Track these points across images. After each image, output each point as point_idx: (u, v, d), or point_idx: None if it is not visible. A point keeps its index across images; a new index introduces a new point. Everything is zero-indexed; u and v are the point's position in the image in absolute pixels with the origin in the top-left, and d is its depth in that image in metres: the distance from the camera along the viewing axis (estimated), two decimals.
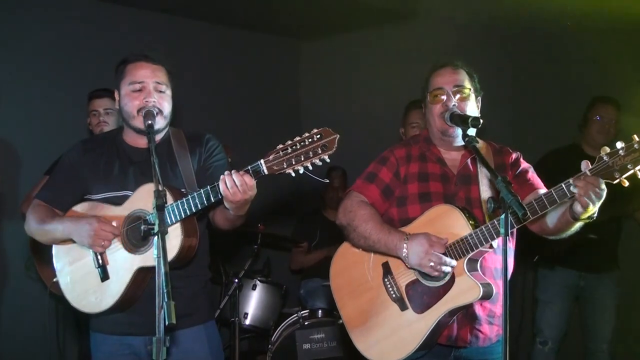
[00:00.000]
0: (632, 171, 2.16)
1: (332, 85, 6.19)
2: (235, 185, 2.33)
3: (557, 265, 4.26)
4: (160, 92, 2.64)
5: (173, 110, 2.74)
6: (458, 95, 2.63)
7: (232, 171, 2.35)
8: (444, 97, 2.63)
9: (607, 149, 2.19)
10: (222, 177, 2.35)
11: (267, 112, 6.10)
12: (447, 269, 2.46)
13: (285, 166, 2.28)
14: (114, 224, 2.60)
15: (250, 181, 2.34)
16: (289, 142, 2.28)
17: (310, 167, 2.28)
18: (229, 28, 5.88)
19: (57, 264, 2.75)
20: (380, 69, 5.89)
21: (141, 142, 2.71)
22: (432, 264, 2.45)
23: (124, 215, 2.61)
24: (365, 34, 6.01)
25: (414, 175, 2.70)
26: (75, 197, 2.75)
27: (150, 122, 2.53)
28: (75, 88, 4.35)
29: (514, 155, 2.73)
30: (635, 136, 2.16)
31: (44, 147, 4.35)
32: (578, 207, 2.27)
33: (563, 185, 2.26)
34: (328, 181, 2.31)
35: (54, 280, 2.76)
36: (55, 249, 2.76)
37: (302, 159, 2.26)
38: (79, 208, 2.74)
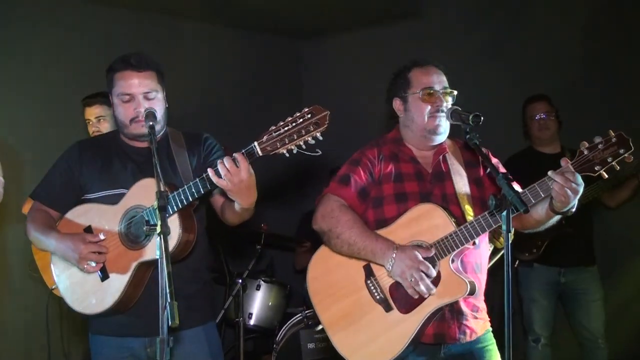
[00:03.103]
0: (611, 164, 2.25)
1: (334, 85, 6.18)
2: (227, 170, 2.31)
3: (536, 263, 4.28)
4: (150, 99, 2.63)
5: (169, 110, 2.74)
6: (447, 98, 2.65)
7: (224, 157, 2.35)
8: (435, 98, 2.63)
9: (587, 144, 2.28)
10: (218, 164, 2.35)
11: (269, 112, 6.09)
12: (423, 290, 2.46)
13: (278, 146, 2.28)
14: (102, 236, 2.61)
15: (242, 159, 2.31)
16: (281, 122, 2.29)
17: (304, 146, 2.28)
18: (230, 29, 5.88)
19: (55, 269, 2.77)
20: (383, 69, 5.86)
21: (137, 142, 2.73)
22: (412, 279, 2.45)
23: (119, 214, 2.62)
24: (368, 34, 6.00)
25: (389, 176, 2.69)
26: (73, 197, 2.76)
27: (151, 123, 2.54)
28: (78, 89, 4.35)
29: (484, 151, 2.73)
30: (611, 131, 2.26)
31: (46, 149, 4.35)
32: (556, 201, 2.34)
33: (546, 180, 2.32)
34: (320, 152, 2.32)
35: (53, 287, 2.77)
36: (52, 256, 2.77)
37: (295, 137, 2.26)
38: (73, 214, 2.74)
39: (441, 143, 2.71)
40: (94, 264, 2.60)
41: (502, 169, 2.67)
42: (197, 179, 2.44)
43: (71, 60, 4.86)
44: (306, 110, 2.28)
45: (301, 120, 2.27)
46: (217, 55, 5.80)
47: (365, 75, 5.99)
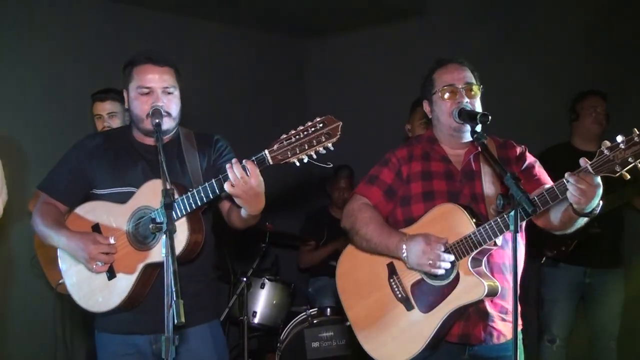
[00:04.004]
0: (632, 164, 2.15)
1: (339, 84, 6.18)
2: (236, 177, 2.30)
3: (562, 262, 4.26)
4: (169, 94, 2.64)
5: (181, 110, 2.74)
6: (470, 93, 2.63)
7: (234, 161, 2.33)
8: (457, 95, 2.62)
9: (608, 143, 2.18)
10: (227, 183, 2.33)
11: (274, 111, 6.10)
12: (446, 264, 2.46)
13: (289, 155, 2.27)
14: (111, 240, 2.60)
15: (253, 167, 2.31)
16: (293, 131, 2.27)
17: (315, 156, 2.27)
18: (235, 27, 5.88)
19: (62, 264, 2.76)
20: (388, 67, 5.87)
21: (150, 139, 2.71)
22: (430, 261, 2.46)
23: (127, 214, 2.61)
24: (372, 32, 5.99)
25: (417, 174, 2.70)
26: (82, 192, 2.75)
27: (157, 120, 2.53)
28: (82, 87, 4.35)
29: (518, 149, 2.71)
30: (635, 129, 2.16)
31: (50, 146, 4.35)
32: (573, 203, 2.27)
33: (564, 181, 2.26)
34: (331, 165, 2.30)
35: (60, 282, 2.77)
36: (59, 250, 2.76)
37: (306, 147, 2.25)
38: (81, 210, 2.73)
39: (472, 140, 2.68)
40: (101, 264, 2.60)
41: (538, 168, 2.65)
42: (207, 184, 2.43)
43: (75, 57, 4.85)
44: (318, 119, 2.26)
45: (312, 130, 2.25)
46: (221, 53, 5.79)
47: (370, 73, 5.99)
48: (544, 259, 4.27)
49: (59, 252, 2.77)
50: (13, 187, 3.64)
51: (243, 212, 2.51)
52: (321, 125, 2.25)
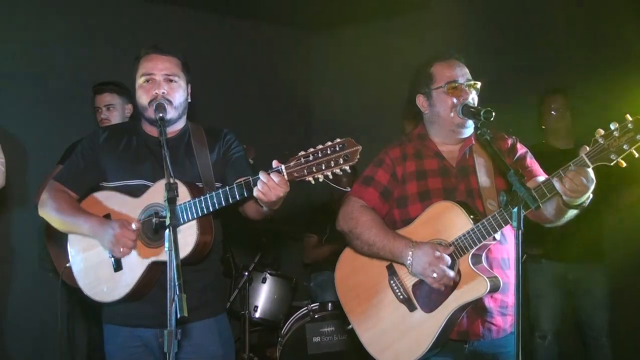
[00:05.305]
0: (628, 151, 2.13)
1: (344, 77, 6.17)
2: (266, 185, 2.32)
3: (544, 258, 4.29)
4: (171, 81, 2.64)
5: (191, 102, 2.74)
6: (471, 89, 2.62)
7: (261, 172, 2.34)
8: (461, 91, 2.60)
9: (602, 131, 2.17)
10: (256, 189, 2.34)
11: (278, 103, 6.10)
12: (449, 282, 2.46)
13: (305, 173, 2.28)
14: (133, 226, 2.59)
15: (282, 179, 2.32)
16: (311, 149, 2.28)
17: (330, 176, 2.27)
18: (241, 19, 5.87)
19: (71, 249, 2.76)
20: (392, 60, 5.85)
21: (158, 132, 2.71)
22: (435, 275, 2.45)
23: (139, 209, 2.61)
24: (378, 25, 5.98)
25: (412, 174, 2.68)
26: (91, 181, 2.76)
27: (161, 114, 2.54)
28: (83, 80, 4.35)
29: (510, 141, 2.70)
30: (628, 115, 2.14)
31: (51, 140, 4.36)
32: (565, 196, 2.28)
33: (561, 172, 2.25)
34: (349, 189, 2.32)
35: (67, 265, 2.78)
36: (70, 235, 2.77)
37: (323, 167, 2.25)
38: (94, 199, 2.73)
39: (468, 136, 2.67)
40: (124, 251, 2.59)
41: (529, 159, 2.65)
42: (227, 187, 2.42)
43: (77, 50, 4.85)
44: (338, 141, 2.26)
45: (331, 150, 2.25)
46: (226, 46, 5.79)
47: (375, 67, 5.97)
48: (524, 256, 4.28)
49: (69, 237, 2.77)
50: (13, 183, 3.64)
51: (265, 209, 2.53)
52: (341, 147, 2.25)
